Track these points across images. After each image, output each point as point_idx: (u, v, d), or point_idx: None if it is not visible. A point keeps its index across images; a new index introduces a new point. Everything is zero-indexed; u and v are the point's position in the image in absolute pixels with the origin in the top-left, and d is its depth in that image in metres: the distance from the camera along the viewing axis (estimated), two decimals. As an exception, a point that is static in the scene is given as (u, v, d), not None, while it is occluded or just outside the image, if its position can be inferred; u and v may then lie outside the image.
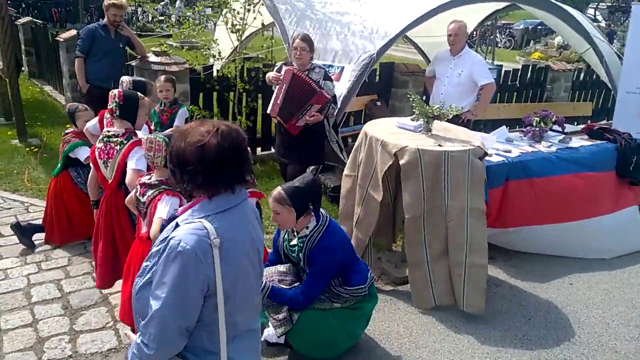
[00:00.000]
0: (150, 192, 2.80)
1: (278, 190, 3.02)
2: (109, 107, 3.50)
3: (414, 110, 4.11)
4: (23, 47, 11.05)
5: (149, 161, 2.97)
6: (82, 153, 4.23)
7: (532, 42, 23.24)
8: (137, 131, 3.53)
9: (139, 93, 3.62)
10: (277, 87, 4.70)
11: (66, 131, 4.47)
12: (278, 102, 4.67)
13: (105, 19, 5.64)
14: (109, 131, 3.47)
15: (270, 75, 4.83)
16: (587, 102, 8.72)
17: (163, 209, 2.74)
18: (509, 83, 8.62)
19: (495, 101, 8.24)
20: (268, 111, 4.86)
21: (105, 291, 3.80)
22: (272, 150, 6.42)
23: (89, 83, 5.54)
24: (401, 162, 3.77)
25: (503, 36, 25.69)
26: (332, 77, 5.37)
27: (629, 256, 4.84)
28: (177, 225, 1.79)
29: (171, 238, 1.73)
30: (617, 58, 6.88)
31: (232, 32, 6.46)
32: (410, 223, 3.87)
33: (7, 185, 5.59)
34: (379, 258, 4.63)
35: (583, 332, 3.71)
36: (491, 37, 22.88)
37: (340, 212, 4.33)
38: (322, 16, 5.87)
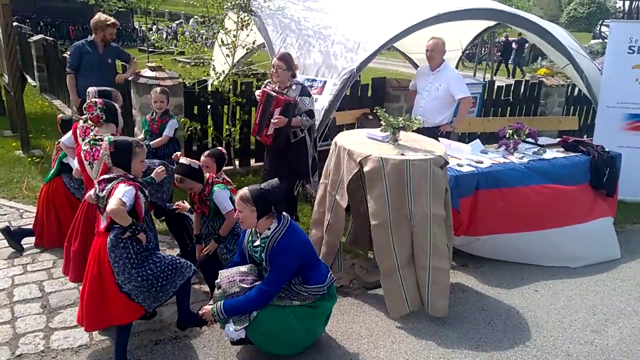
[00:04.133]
0: (109, 185, 3.06)
1: (245, 190, 3.26)
2: (93, 115, 3.80)
3: (381, 122, 4.30)
4: (35, 63, 11.54)
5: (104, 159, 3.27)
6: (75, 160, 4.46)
7: (539, 58, 23.32)
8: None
9: (114, 91, 4.10)
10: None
11: (60, 139, 4.71)
12: (257, 122, 4.92)
13: (94, 36, 5.95)
14: (95, 135, 3.76)
15: (257, 93, 5.08)
16: (573, 116, 8.80)
17: (120, 190, 3.02)
18: (502, 98, 8.76)
19: (489, 115, 8.40)
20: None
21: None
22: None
23: (81, 97, 5.83)
24: (365, 169, 3.95)
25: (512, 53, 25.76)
26: (315, 90, 5.60)
27: (596, 265, 4.93)
28: None
29: None
30: (598, 72, 7.00)
31: (226, 48, 6.72)
32: (376, 229, 4.02)
33: (5, 192, 5.87)
34: (353, 264, 4.80)
35: (539, 336, 3.82)
36: (497, 53, 23.12)
37: (312, 218, 4.51)
38: (306, 31, 6.10)
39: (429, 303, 3.98)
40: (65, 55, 8.70)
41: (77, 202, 4.41)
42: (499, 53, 22.31)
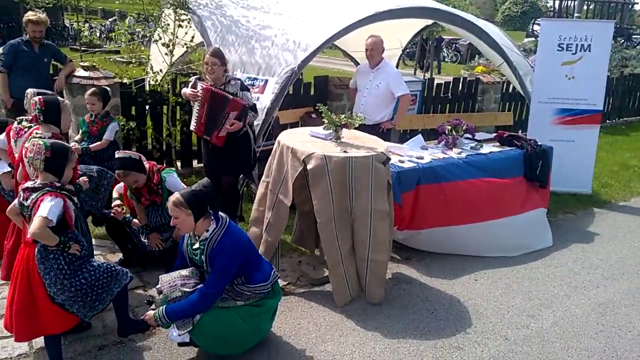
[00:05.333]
0: (34, 195, 2.90)
1: (176, 195, 3.17)
2: (32, 114, 3.68)
3: (323, 119, 4.34)
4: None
5: (29, 163, 3.09)
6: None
7: (477, 56, 24.13)
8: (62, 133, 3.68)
9: (59, 97, 3.79)
10: (198, 104, 4.81)
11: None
12: (202, 121, 4.81)
13: (27, 35, 5.71)
14: (37, 133, 3.61)
15: (187, 91, 4.90)
16: (508, 112, 9.17)
17: (45, 207, 2.86)
18: (442, 95, 9.00)
19: (429, 112, 8.62)
20: (192, 128, 4.99)
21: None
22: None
23: (14, 97, 5.57)
24: (309, 167, 3.98)
25: (450, 51, 26.59)
26: (257, 89, 5.57)
27: (531, 253, 5.17)
28: None
29: None
30: (531, 69, 7.32)
31: (164, 46, 6.58)
32: (322, 227, 4.06)
33: None
34: (299, 261, 4.82)
35: (479, 323, 3.97)
36: (441, 52, 23.76)
37: (251, 216, 4.49)
38: (246, 31, 6.06)
39: (367, 291, 4.14)
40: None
41: (7, 204, 4.21)
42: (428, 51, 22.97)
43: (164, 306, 3.21)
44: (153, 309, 3.28)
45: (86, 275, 3.09)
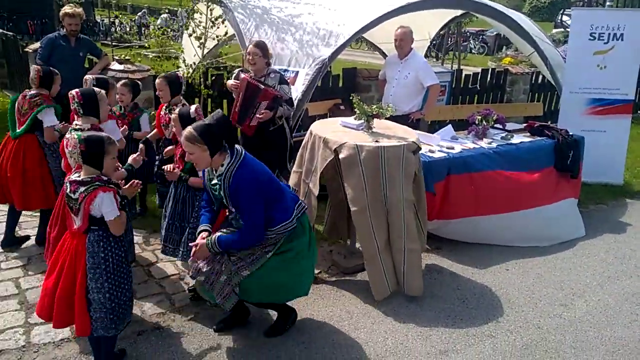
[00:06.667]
0: (82, 189, 2.93)
1: (189, 129, 3.03)
2: (72, 108, 3.80)
3: (355, 110, 4.38)
4: (-5, 58, 11.20)
5: (70, 156, 3.17)
6: (49, 117, 4.30)
7: (504, 47, 23.79)
8: (102, 124, 3.79)
9: (96, 88, 3.90)
10: (235, 94, 4.95)
11: (32, 93, 4.37)
12: (236, 109, 4.92)
13: (64, 29, 5.87)
14: (76, 124, 3.73)
15: (230, 83, 5.10)
16: (538, 102, 9.07)
17: (108, 207, 2.94)
18: (470, 86, 8.95)
19: (458, 103, 8.59)
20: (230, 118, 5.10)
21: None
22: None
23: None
24: (341, 156, 4.03)
25: (477, 42, 26.26)
26: (288, 81, 5.64)
27: (563, 244, 5.14)
28: None
29: None
30: (562, 59, 7.23)
31: (196, 39, 6.69)
32: (357, 216, 4.09)
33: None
34: (330, 251, 4.88)
35: (511, 312, 3.98)
36: (464, 43, 23.48)
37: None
38: (278, 21, 6.13)
39: (406, 283, 4.12)
40: (27, 50, 8.50)
41: (47, 165, 4.38)
42: (465, 42, 22.68)
43: (216, 235, 3.20)
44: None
45: (123, 289, 3.10)
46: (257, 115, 4.78)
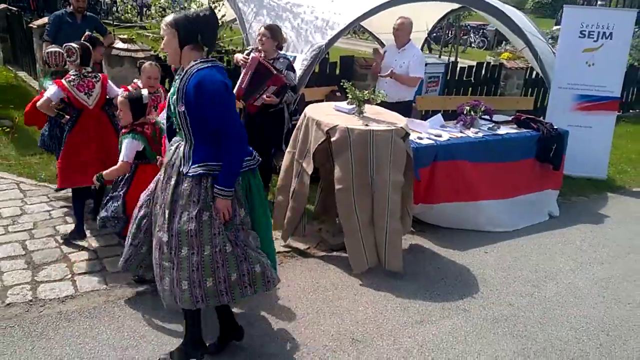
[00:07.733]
0: None
1: (170, 15, 2.89)
2: (68, 60, 4.46)
3: (347, 95, 4.61)
4: (-1, 33, 11.35)
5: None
6: (51, 90, 4.37)
7: (503, 42, 23.93)
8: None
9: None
10: (243, 70, 5.13)
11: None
12: (243, 86, 5.11)
13: (71, 7, 6.08)
14: (85, 69, 4.45)
15: (239, 56, 5.26)
16: (530, 97, 9.31)
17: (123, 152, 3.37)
18: (464, 79, 9.17)
19: (451, 94, 8.81)
20: (234, 91, 5.30)
21: (65, 249, 4.26)
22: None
23: (57, 66, 5.94)
24: (332, 139, 4.27)
25: (477, 36, 26.40)
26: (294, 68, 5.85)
27: (541, 231, 5.43)
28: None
29: None
30: (553, 55, 7.45)
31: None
32: (340, 194, 4.34)
33: (-24, 161, 5.97)
34: (319, 229, 5.14)
35: (486, 290, 4.26)
36: (465, 37, 23.63)
37: (278, 185, 4.80)
38: (277, 6, 6.33)
39: (386, 260, 4.39)
40: (31, 25, 8.68)
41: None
42: (465, 36, 22.82)
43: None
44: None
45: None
46: (264, 97, 4.98)
